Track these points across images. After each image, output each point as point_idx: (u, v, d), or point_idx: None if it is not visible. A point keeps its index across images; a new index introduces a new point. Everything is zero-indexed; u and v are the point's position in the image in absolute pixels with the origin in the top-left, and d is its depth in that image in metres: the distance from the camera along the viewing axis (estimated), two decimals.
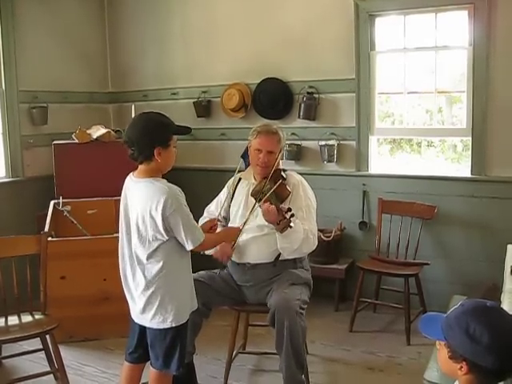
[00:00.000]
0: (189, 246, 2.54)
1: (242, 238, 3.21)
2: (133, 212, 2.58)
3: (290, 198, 3.15)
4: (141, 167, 2.58)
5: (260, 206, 3.06)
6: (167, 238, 2.51)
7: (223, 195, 3.45)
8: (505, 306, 2.66)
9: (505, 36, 4.07)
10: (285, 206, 3.00)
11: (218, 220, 3.13)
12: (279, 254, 3.19)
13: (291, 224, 2.90)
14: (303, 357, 3.03)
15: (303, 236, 3.08)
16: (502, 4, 4.05)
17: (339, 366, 3.73)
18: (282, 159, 3.39)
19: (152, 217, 2.48)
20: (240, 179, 3.43)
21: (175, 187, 2.55)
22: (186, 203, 2.56)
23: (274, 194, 3.05)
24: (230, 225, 3.32)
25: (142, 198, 2.53)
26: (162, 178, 2.61)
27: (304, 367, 3.04)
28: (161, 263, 2.53)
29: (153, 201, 2.47)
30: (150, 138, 2.51)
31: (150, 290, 2.56)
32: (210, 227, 2.98)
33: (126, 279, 2.66)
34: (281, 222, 2.91)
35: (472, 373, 1.53)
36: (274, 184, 3.10)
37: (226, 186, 3.48)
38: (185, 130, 2.69)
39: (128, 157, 2.56)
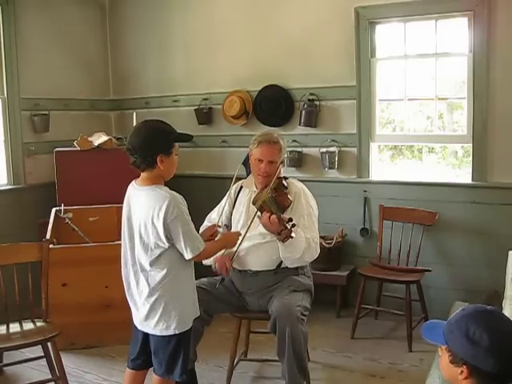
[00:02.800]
0: (188, 255, 2.53)
1: (244, 245, 3.21)
2: (135, 219, 2.58)
3: (291, 206, 3.15)
4: (143, 175, 2.59)
5: (259, 217, 3.06)
6: (168, 245, 2.51)
7: (225, 202, 3.45)
8: (506, 312, 2.67)
9: (504, 42, 4.09)
10: (286, 216, 2.99)
11: (218, 226, 3.11)
12: (281, 262, 3.19)
13: (292, 234, 2.90)
14: (305, 363, 3.03)
15: (305, 245, 3.08)
16: (501, 11, 4.07)
17: (341, 372, 3.72)
18: (283, 167, 3.38)
19: (154, 224, 2.48)
20: (242, 187, 3.43)
21: (177, 195, 2.55)
22: (187, 212, 2.56)
23: (275, 203, 3.04)
24: None
25: (144, 206, 2.53)
26: (165, 185, 2.62)
27: (306, 373, 3.04)
28: (164, 271, 2.54)
29: (155, 208, 2.48)
30: (153, 146, 2.52)
31: (154, 297, 2.56)
32: (211, 234, 2.95)
33: (129, 286, 2.66)
34: (282, 232, 2.91)
35: (472, 377, 1.53)
36: (275, 193, 3.10)
37: (227, 194, 3.48)
38: (187, 138, 2.70)
39: (130, 164, 2.57)
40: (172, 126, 2.62)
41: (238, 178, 3.35)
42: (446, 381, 1.67)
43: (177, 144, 2.61)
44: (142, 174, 2.59)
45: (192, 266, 2.68)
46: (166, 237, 2.49)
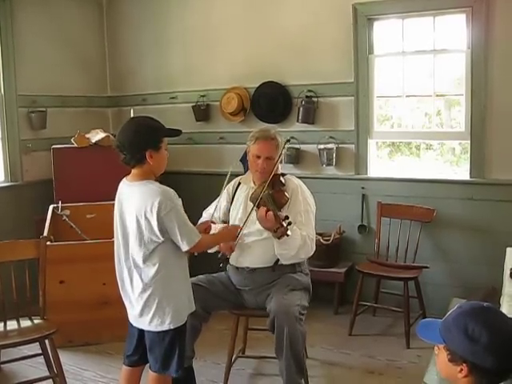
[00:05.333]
0: (184, 247, 2.55)
1: (243, 241, 3.21)
2: (128, 215, 2.59)
3: (288, 203, 3.15)
4: (134, 171, 2.60)
5: (256, 212, 3.06)
6: (162, 239, 2.52)
7: (223, 198, 3.44)
8: (504, 309, 2.66)
9: (502, 38, 4.08)
10: (282, 213, 2.99)
11: (212, 222, 3.11)
12: (278, 259, 3.19)
13: (288, 232, 2.90)
14: (303, 362, 3.03)
15: (300, 242, 3.08)
16: (499, 7, 4.06)
17: (339, 369, 3.72)
18: (281, 163, 3.37)
19: (147, 219, 2.49)
20: (239, 183, 3.43)
21: (169, 189, 2.57)
22: (181, 204, 2.57)
23: (272, 199, 3.04)
24: None
25: (136, 201, 2.54)
26: (161, 181, 2.62)
27: (304, 372, 3.04)
28: (157, 266, 2.55)
29: (147, 203, 2.49)
30: (141, 142, 2.53)
31: (147, 293, 2.57)
32: (204, 229, 2.99)
33: (123, 283, 2.67)
34: (278, 229, 2.91)
35: (472, 375, 1.53)
36: (272, 189, 3.10)
37: (225, 189, 3.47)
38: (175, 133, 2.69)
39: (120, 161, 2.58)
40: (160, 122, 2.63)
41: (234, 175, 3.33)
42: (444, 379, 1.66)
43: (166, 139, 2.61)
44: (132, 170, 2.61)
45: (185, 261, 2.70)
46: (161, 230, 2.50)
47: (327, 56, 4.69)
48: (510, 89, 4.11)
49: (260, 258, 3.20)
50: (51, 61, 5.14)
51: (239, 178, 3.49)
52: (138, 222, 2.53)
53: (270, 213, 2.94)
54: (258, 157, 3.21)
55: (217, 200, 3.46)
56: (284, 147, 3.33)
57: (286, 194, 3.15)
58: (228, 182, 3.30)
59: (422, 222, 4.33)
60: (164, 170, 2.68)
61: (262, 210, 2.99)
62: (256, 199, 3.10)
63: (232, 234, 3.06)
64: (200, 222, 3.43)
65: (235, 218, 3.29)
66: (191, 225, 2.62)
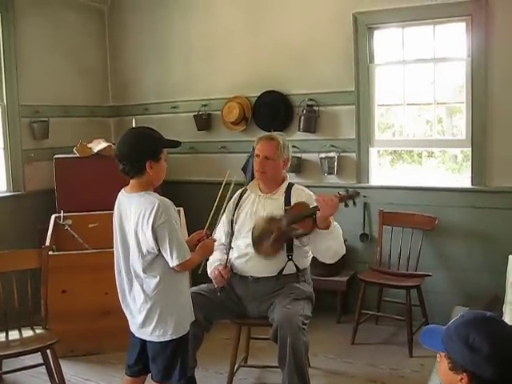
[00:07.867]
0: (172, 263, 2.50)
1: (248, 250, 3.20)
2: (128, 226, 2.58)
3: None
4: (133, 182, 2.59)
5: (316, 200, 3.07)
6: (157, 250, 2.51)
7: (224, 216, 3.32)
8: (507, 317, 2.66)
9: (502, 46, 4.10)
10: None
11: (207, 234, 2.97)
12: (282, 268, 3.19)
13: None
14: (306, 372, 3.02)
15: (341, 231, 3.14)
16: (498, 15, 4.08)
17: (342, 378, 3.71)
18: (286, 167, 3.37)
19: (143, 229, 2.49)
20: (246, 190, 3.43)
21: (167, 200, 2.55)
22: (177, 217, 2.55)
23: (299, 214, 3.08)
24: (234, 239, 3.27)
25: (135, 212, 2.53)
26: (160, 189, 2.62)
27: (306, 381, 3.03)
28: (158, 277, 2.54)
29: (145, 213, 2.48)
30: (142, 152, 2.53)
31: (149, 304, 2.56)
32: (198, 240, 2.81)
33: (123, 294, 2.66)
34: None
35: None
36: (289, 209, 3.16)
37: (228, 205, 3.35)
38: (174, 144, 2.69)
39: (119, 171, 2.56)
40: (160, 133, 2.63)
41: (229, 184, 3.26)
42: None
43: (165, 150, 2.61)
44: (131, 180, 2.59)
45: (186, 272, 2.69)
46: (155, 242, 2.49)
47: (328, 65, 4.70)
48: (510, 96, 4.12)
49: (264, 267, 3.19)
50: (53, 71, 5.17)
51: (249, 185, 3.50)
52: (136, 232, 2.52)
53: (334, 198, 3.06)
54: (258, 156, 3.28)
55: (221, 221, 3.37)
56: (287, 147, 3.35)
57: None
58: (224, 190, 3.21)
59: (424, 229, 4.33)
60: (162, 181, 2.67)
61: (327, 199, 3.05)
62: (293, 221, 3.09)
63: (209, 247, 2.85)
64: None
65: (241, 226, 3.27)
66: (183, 241, 2.57)
